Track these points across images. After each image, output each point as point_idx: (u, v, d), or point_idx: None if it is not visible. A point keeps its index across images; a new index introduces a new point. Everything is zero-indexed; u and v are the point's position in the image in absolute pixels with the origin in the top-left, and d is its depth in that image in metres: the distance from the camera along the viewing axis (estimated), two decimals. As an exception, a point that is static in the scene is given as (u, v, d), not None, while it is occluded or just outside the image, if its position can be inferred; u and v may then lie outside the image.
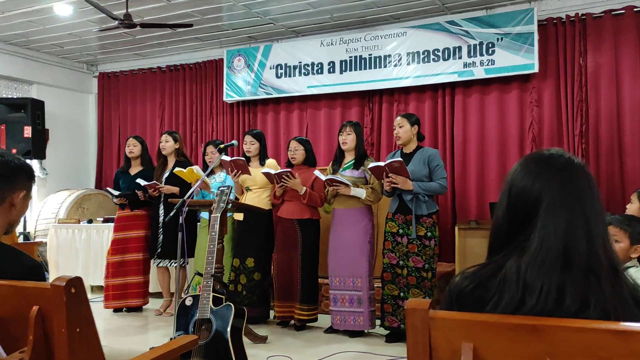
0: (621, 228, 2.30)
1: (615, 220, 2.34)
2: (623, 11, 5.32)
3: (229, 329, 2.93)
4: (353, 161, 4.37)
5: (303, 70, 6.57)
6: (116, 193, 4.99)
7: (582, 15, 5.47)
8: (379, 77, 6.18)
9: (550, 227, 1.08)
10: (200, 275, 3.20)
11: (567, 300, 1.02)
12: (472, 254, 5.16)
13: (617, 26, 5.35)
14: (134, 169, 5.18)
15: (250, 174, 4.52)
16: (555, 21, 5.58)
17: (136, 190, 4.98)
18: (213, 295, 3.05)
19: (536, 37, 5.45)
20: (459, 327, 1.08)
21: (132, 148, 5.16)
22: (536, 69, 5.49)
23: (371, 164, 4.14)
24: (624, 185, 5.31)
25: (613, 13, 5.37)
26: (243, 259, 4.57)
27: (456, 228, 5.42)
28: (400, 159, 3.99)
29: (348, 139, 4.36)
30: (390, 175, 3.99)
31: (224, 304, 3.03)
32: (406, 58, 6.03)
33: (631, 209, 3.18)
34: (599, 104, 5.43)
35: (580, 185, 1.11)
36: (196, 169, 4.56)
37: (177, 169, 4.73)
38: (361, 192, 4.23)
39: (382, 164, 4.03)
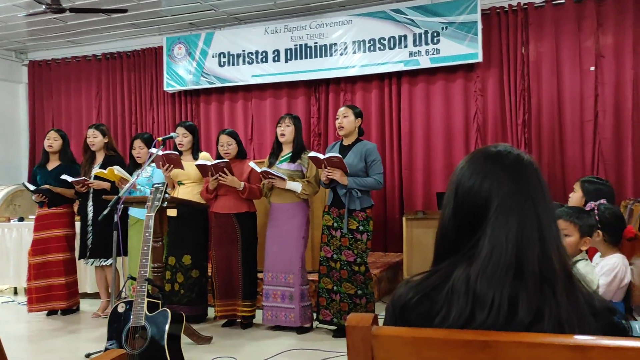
0: (571, 222, 2.27)
1: (565, 214, 2.31)
2: (563, 1, 5.41)
3: (165, 336, 2.76)
4: (290, 154, 4.25)
5: (247, 59, 6.37)
6: (32, 188, 4.69)
7: (524, 4, 5.52)
8: (325, 66, 6.07)
9: (501, 232, 0.99)
10: (133, 279, 3.00)
11: (520, 313, 0.93)
12: (419, 244, 5.16)
13: (558, 16, 5.43)
14: (52, 164, 4.85)
15: (183, 168, 4.32)
16: (498, 10, 5.62)
17: (70, 187, 4.68)
18: (148, 301, 2.86)
19: (480, 26, 5.47)
20: (405, 345, 0.97)
21: (52, 142, 4.84)
22: (480, 59, 5.51)
23: (311, 153, 4.06)
24: (565, 174, 5.43)
25: (554, 3, 5.44)
26: (179, 256, 4.38)
27: (404, 218, 5.41)
28: (339, 155, 3.92)
29: (286, 131, 4.24)
30: (328, 168, 3.93)
31: (160, 309, 2.85)
32: (352, 47, 5.93)
33: (574, 197, 3.20)
34: (540, 93, 5.51)
35: (531, 184, 1.02)
36: (117, 169, 4.32)
37: (97, 170, 4.50)
38: (297, 186, 4.14)
39: (321, 155, 3.96)
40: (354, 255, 3.99)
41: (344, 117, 4.13)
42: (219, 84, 6.55)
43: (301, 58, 6.15)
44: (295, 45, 6.16)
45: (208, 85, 6.60)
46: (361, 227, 4.01)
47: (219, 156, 4.39)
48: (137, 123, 7.15)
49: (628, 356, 0.84)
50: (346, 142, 4.17)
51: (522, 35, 5.55)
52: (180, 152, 4.51)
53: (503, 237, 0.98)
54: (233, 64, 6.44)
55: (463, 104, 5.77)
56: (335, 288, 4.04)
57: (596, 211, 2.60)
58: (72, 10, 5.08)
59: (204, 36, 6.57)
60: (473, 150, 5.67)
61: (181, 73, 6.68)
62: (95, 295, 5.19)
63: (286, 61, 6.21)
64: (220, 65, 6.49)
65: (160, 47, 6.86)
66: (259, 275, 4.42)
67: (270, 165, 4.30)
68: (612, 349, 0.86)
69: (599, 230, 2.49)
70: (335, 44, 6.00)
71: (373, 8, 5.97)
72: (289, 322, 4.16)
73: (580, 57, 5.37)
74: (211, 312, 4.52)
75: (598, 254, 2.73)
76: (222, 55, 6.48)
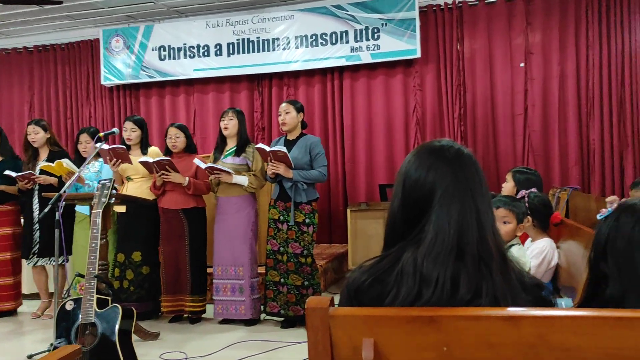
0: (510, 210, 2.45)
1: (504, 203, 2.48)
2: (495, 0, 5.67)
3: (116, 332, 2.74)
4: (235, 148, 4.28)
5: (188, 53, 6.30)
6: None
7: (459, 3, 5.76)
8: (268, 61, 6.10)
9: (444, 219, 1.09)
10: (82, 276, 2.96)
11: (461, 290, 1.04)
12: (363, 235, 5.30)
13: (490, 14, 5.70)
14: None
15: (131, 163, 4.27)
16: (434, 8, 5.83)
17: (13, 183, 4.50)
18: (97, 297, 2.83)
19: (418, 23, 5.66)
20: (359, 323, 1.06)
21: None
22: (418, 54, 5.71)
23: (258, 145, 4.11)
24: (498, 164, 5.72)
25: (486, 2, 5.71)
26: (128, 253, 4.32)
27: (348, 210, 5.54)
28: (284, 149, 3.99)
29: (230, 125, 4.27)
30: (272, 162, 3.99)
31: (110, 305, 2.83)
32: (294, 42, 5.99)
33: (506, 187, 3.41)
34: (475, 88, 5.78)
35: (470, 176, 1.13)
36: (65, 162, 4.22)
37: (44, 164, 4.36)
38: (243, 180, 4.18)
39: (267, 148, 4.03)
40: (300, 248, 4.08)
41: (286, 113, 4.19)
42: (159, 78, 6.45)
43: (244, 52, 6.15)
44: (238, 39, 6.15)
45: (148, 79, 6.48)
46: (307, 220, 4.10)
47: (167, 149, 4.37)
48: (73, 118, 6.93)
49: (553, 324, 0.96)
50: (290, 137, 4.24)
51: (457, 32, 5.79)
52: (129, 147, 4.44)
53: (446, 223, 1.09)
54: (174, 58, 6.36)
55: (403, 98, 5.96)
56: (282, 280, 4.11)
57: (526, 199, 2.80)
58: (3, 1, 4.86)
59: (142, 29, 6.44)
60: (413, 142, 5.90)
61: (119, 66, 6.52)
62: (31, 296, 5.03)
63: (229, 55, 6.20)
64: (160, 58, 6.38)
65: (97, 40, 6.66)
66: (209, 270, 4.43)
67: (215, 159, 4.31)
68: (540, 318, 0.98)
69: (529, 217, 2.68)
70: (277, 39, 6.04)
71: (315, 4, 6.05)
72: (239, 314, 4.20)
73: (511, 54, 5.67)
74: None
75: (529, 239, 2.94)
76: (162, 48, 6.38)
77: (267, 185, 4.46)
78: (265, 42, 6.08)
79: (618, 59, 5.34)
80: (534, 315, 0.98)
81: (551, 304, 1.11)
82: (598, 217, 1.10)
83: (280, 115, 4.23)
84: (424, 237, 1.10)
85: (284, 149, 4.01)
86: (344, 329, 1.05)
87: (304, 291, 4.08)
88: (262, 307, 4.30)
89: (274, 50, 6.06)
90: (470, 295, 1.04)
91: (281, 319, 4.19)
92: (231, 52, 6.17)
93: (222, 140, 4.37)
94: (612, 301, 1.10)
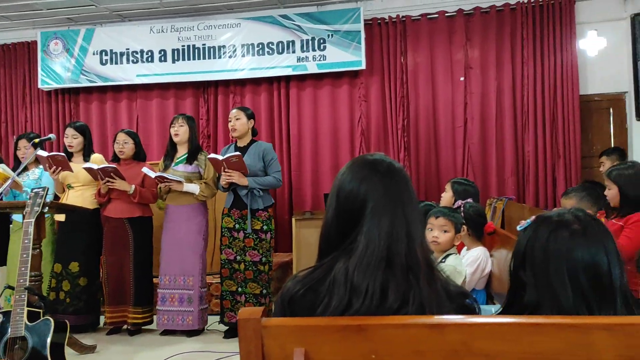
0: (449, 219, 2.53)
1: (443, 213, 2.57)
2: (436, 15, 5.86)
3: (47, 346, 2.64)
4: (186, 155, 4.23)
5: (131, 58, 6.16)
6: None
7: (403, 17, 5.91)
8: (214, 68, 6.05)
9: (375, 230, 1.13)
10: (12, 288, 2.84)
11: (389, 299, 1.08)
12: (307, 244, 5.33)
13: (432, 29, 5.88)
14: None
15: (72, 171, 4.13)
16: (379, 21, 5.96)
17: None
18: (28, 310, 2.72)
19: (363, 35, 5.77)
20: (291, 333, 1.08)
21: None
22: (363, 66, 5.81)
23: (210, 155, 4.06)
24: (439, 175, 5.89)
25: (428, 17, 5.88)
26: (66, 263, 4.17)
27: (293, 219, 5.55)
28: (238, 153, 3.96)
29: (180, 131, 4.21)
30: (227, 170, 3.95)
31: (42, 318, 2.73)
32: (241, 50, 5.98)
33: (445, 197, 3.53)
34: (418, 101, 5.93)
35: (401, 189, 1.18)
36: (2, 167, 4.04)
37: None
38: (194, 188, 4.13)
39: (220, 157, 3.97)
40: (259, 255, 4.05)
41: (236, 119, 4.17)
42: (100, 83, 6.27)
43: (189, 59, 6.08)
44: (183, 45, 6.08)
45: (88, 84, 6.29)
46: (265, 227, 4.08)
47: (115, 155, 4.27)
48: (7, 122, 6.63)
49: (475, 331, 1.02)
50: (240, 144, 4.22)
51: (401, 46, 5.93)
52: (70, 154, 4.30)
53: (376, 234, 1.13)
54: (116, 63, 6.21)
55: (348, 108, 6.04)
56: (239, 289, 4.06)
57: (462, 209, 2.90)
58: None
59: (83, 32, 6.26)
60: (358, 152, 6.00)
61: (58, 70, 6.30)
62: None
63: (173, 61, 6.11)
64: (102, 63, 6.22)
65: (35, 42, 6.42)
66: (155, 281, 4.33)
67: (166, 167, 4.24)
68: (463, 325, 1.03)
69: (464, 226, 2.78)
70: (224, 46, 6.00)
71: (261, 12, 6.06)
72: (187, 325, 4.11)
73: (451, 68, 5.86)
74: (103, 320, 4.35)
75: (465, 248, 3.05)
76: (104, 52, 6.21)
77: (218, 193, 4.40)
78: (211, 49, 6.03)
79: (551, 75, 5.62)
80: (457, 322, 1.03)
81: (475, 312, 1.17)
82: (518, 228, 1.16)
83: (230, 121, 4.21)
84: (355, 248, 1.13)
85: (236, 153, 3.97)
86: (275, 339, 1.07)
87: (262, 300, 4.05)
88: (220, 317, 4.21)
89: (220, 57, 6.02)
90: (398, 303, 1.08)
91: (226, 327, 4.14)
92: (176, 58, 6.09)
93: (172, 147, 4.30)
94: (529, 308, 1.16)
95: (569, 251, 1.15)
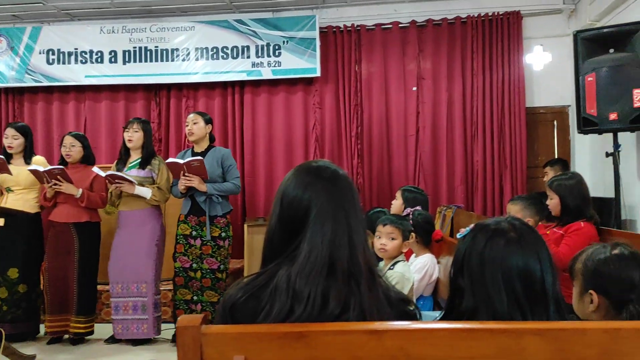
0: (396, 227, 2.56)
1: (391, 221, 2.60)
2: (390, 26, 5.97)
3: (-20, 357, 2.52)
4: (139, 160, 4.12)
5: (80, 58, 5.99)
6: None
7: (357, 26, 5.98)
8: (167, 71, 5.96)
9: (318, 236, 1.13)
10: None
11: (330, 305, 1.08)
12: (259, 250, 5.25)
13: (386, 39, 5.98)
14: None
15: (10, 173, 3.96)
16: (334, 30, 6.01)
17: None
18: (-41, 319, 2.58)
19: (318, 43, 5.80)
20: (231, 341, 1.06)
21: None
22: (318, 73, 5.84)
23: (169, 160, 3.97)
24: (392, 182, 5.97)
25: (383, 27, 5.98)
26: (4, 270, 3.99)
27: (245, 225, 5.51)
28: (199, 157, 3.89)
29: (134, 137, 4.10)
30: (187, 174, 3.87)
31: (-26, 328, 2.60)
32: (195, 53, 5.91)
33: (395, 204, 3.57)
34: (371, 109, 6.01)
35: (345, 196, 1.18)
36: None
37: None
38: (146, 192, 4.03)
39: (180, 161, 3.88)
40: (217, 263, 3.98)
41: (194, 123, 4.10)
42: (46, 83, 6.06)
43: (140, 61, 5.95)
44: (135, 47, 5.95)
45: (34, 84, 6.08)
46: (223, 234, 4.01)
47: (62, 159, 4.12)
48: (-55, 121, 6.32)
49: (412, 336, 1.03)
50: (197, 149, 4.14)
51: (355, 54, 6.00)
52: (10, 155, 4.12)
53: (319, 241, 1.13)
54: (64, 63, 6.02)
55: (303, 115, 6.06)
56: (195, 298, 3.97)
57: (411, 216, 2.95)
58: None
59: (29, 30, 6.04)
60: (312, 159, 6.01)
61: (1, 69, 6.06)
62: None
63: (124, 63, 5.97)
64: (48, 62, 6.01)
65: (-23, 39, 6.16)
66: (105, 288, 4.19)
67: (118, 172, 4.11)
68: (401, 331, 1.04)
69: (412, 233, 2.83)
70: (177, 49, 5.92)
71: (216, 17, 6.02)
72: (141, 334, 3.99)
73: (404, 78, 5.97)
74: (43, 329, 4.17)
75: (414, 255, 3.10)
76: (50, 52, 6.01)
77: (171, 199, 4.29)
78: (164, 51, 5.93)
79: (499, 87, 5.80)
80: (395, 328, 1.04)
81: (416, 318, 1.18)
82: (457, 235, 1.19)
83: (187, 125, 4.13)
84: (298, 254, 1.13)
85: (198, 157, 3.89)
86: (215, 347, 1.05)
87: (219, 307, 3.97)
88: (160, 325, 4.11)
89: (173, 60, 5.93)
90: (339, 310, 1.08)
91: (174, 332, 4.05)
92: (127, 59, 5.96)
93: (125, 152, 4.18)
94: (466, 314, 1.19)
95: (504, 258, 1.18)
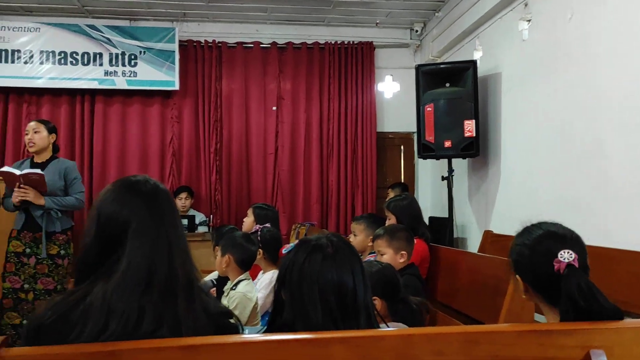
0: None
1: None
2: (252, 45, 6.04)
3: None
4: None
5: None
6: None
7: (219, 42, 5.98)
8: (6, 74, 5.44)
9: (137, 252, 1.11)
10: None
11: (145, 322, 1.06)
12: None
13: (247, 58, 6.04)
14: None
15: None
16: (195, 44, 5.94)
17: None
18: None
19: (177, 56, 5.69)
20: (35, 364, 1.00)
21: None
22: (177, 87, 5.72)
23: (4, 168, 3.60)
24: (250, 199, 5.97)
25: (244, 45, 6.04)
26: None
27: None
28: (39, 170, 3.57)
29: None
30: (22, 186, 3.53)
31: None
32: (39, 56, 5.47)
33: (247, 222, 3.60)
34: (231, 125, 6.01)
35: (164, 210, 1.18)
36: None
37: None
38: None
39: (17, 171, 3.53)
40: (54, 283, 3.62)
41: (35, 132, 3.76)
42: None
43: (-25, 60, 5.38)
44: (-32, 44, 5.37)
45: None
46: (62, 251, 3.68)
47: None
48: None
49: (226, 350, 1.05)
50: (38, 160, 3.79)
51: (216, 70, 5.98)
52: None
53: (138, 256, 1.11)
54: None
55: (160, 128, 5.88)
56: (25, 322, 3.59)
57: (259, 233, 2.99)
58: None
59: None
60: (168, 173, 5.84)
61: None
62: None
63: (-45, 61, 5.36)
64: None
65: None
66: None
67: None
68: (217, 345, 1.06)
69: (260, 250, 2.86)
70: (19, 51, 5.44)
71: (65, 20, 5.64)
72: None
73: (265, 97, 6.06)
74: None
75: (262, 271, 3.13)
76: None
77: (2, 212, 3.88)
78: (3, 52, 5.42)
79: (353, 111, 6.13)
80: (208, 343, 1.05)
81: (236, 330, 1.21)
82: (283, 251, 1.25)
83: (27, 134, 3.77)
84: (116, 270, 1.10)
85: (38, 171, 3.57)
86: (13, 372, 0.98)
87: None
88: None
89: (13, 62, 5.43)
90: (153, 325, 1.07)
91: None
92: (-42, 57, 5.35)
93: None
94: (286, 326, 1.24)
95: (321, 273, 1.25)
